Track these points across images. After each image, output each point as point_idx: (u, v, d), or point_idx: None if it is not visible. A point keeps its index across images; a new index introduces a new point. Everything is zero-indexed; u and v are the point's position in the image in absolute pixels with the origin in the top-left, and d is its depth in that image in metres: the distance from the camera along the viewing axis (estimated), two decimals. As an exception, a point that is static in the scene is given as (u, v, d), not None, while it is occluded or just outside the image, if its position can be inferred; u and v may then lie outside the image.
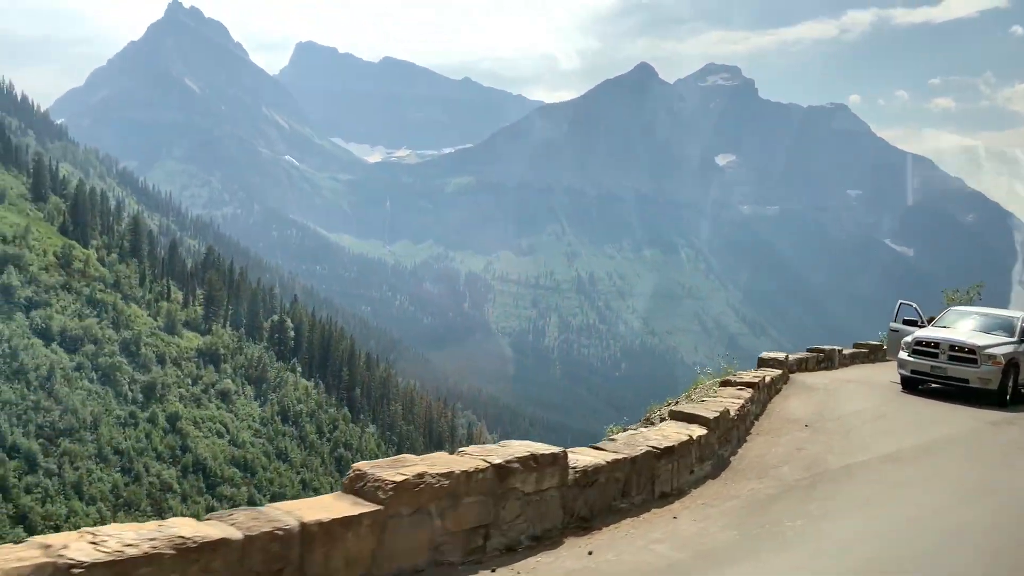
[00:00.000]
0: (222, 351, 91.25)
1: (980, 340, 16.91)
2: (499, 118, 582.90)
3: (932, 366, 16.97)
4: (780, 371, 16.54)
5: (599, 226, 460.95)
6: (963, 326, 18.33)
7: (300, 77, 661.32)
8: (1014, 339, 17.26)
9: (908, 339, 17.73)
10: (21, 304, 74.92)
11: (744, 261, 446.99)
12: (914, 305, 21.75)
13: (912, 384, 17.65)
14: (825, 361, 21.51)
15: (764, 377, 14.12)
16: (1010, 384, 16.62)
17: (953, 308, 20.32)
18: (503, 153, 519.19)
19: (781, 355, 18.30)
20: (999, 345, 16.81)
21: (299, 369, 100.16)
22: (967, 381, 16.49)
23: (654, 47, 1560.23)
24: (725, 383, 13.08)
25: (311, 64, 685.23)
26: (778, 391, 15.70)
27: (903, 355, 17.59)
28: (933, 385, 17.58)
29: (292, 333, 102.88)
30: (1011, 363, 16.62)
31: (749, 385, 12.55)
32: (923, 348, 17.23)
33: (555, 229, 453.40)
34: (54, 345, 73.29)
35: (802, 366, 20.08)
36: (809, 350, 21.63)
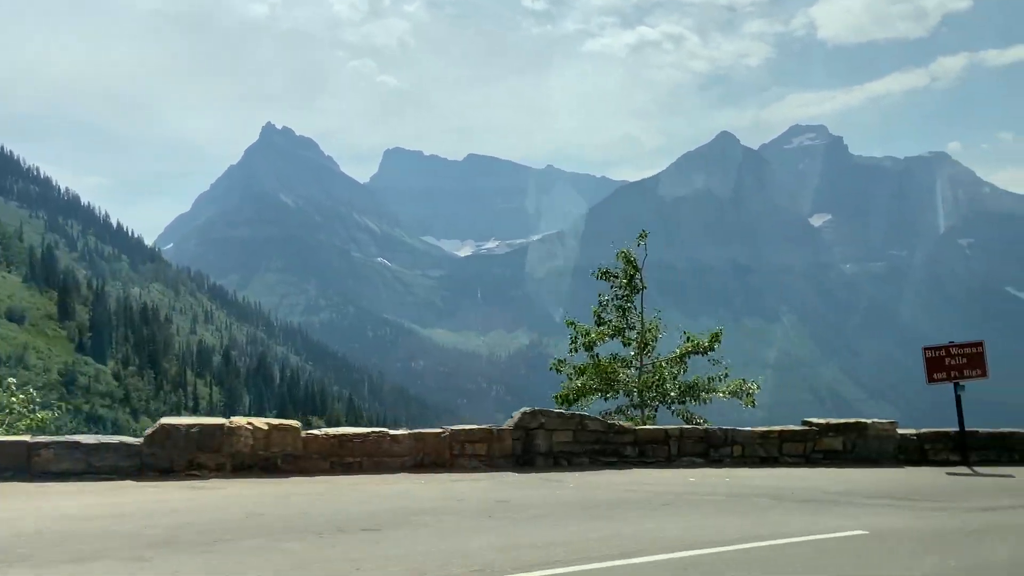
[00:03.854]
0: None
1: None
2: (585, 200, 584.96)
3: None
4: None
5: (694, 299, 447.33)
6: None
7: (389, 182, 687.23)
8: None
9: None
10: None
11: (855, 322, 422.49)
12: None
13: None
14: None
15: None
16: None
17: None
18: (590, 234, 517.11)
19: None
20: None
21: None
22: None
23: (737, 117, 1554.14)
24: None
25: (399, 168, 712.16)
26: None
27: None
28: None
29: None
30: None
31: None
32: None
33: (650, 306, 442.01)
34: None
35: None
36: None
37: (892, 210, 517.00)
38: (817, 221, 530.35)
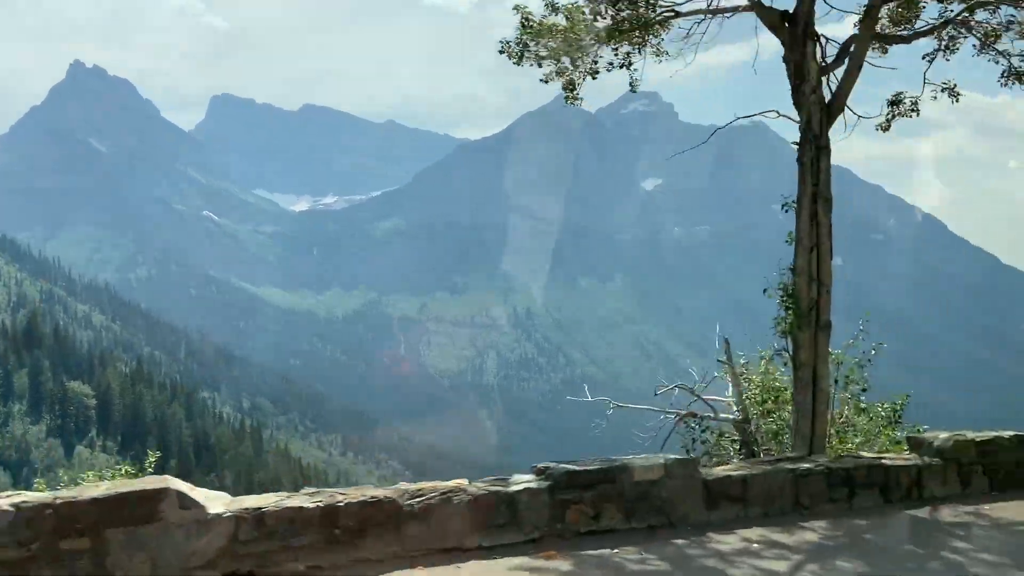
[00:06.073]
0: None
1: None
2: (425, 158, 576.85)
3: None
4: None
5: (536, 259, 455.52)
6: None
7: (218, 131, 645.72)
8: None
9: None
10: None
11: (680, 283, 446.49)
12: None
13: None
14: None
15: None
16: None
17: None
18: (430, 193, 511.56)
19: None
20: None
21: (98, 444, 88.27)
22: None
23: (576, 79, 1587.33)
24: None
25: (229, 117, 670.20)
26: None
27: None
28: None
29: (93, 402, 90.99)
30: None
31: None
32: None
33: (487, 266, 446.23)
34: None
35: None
36: None
37: (715, 176, 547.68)
38: (649, 185, 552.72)
